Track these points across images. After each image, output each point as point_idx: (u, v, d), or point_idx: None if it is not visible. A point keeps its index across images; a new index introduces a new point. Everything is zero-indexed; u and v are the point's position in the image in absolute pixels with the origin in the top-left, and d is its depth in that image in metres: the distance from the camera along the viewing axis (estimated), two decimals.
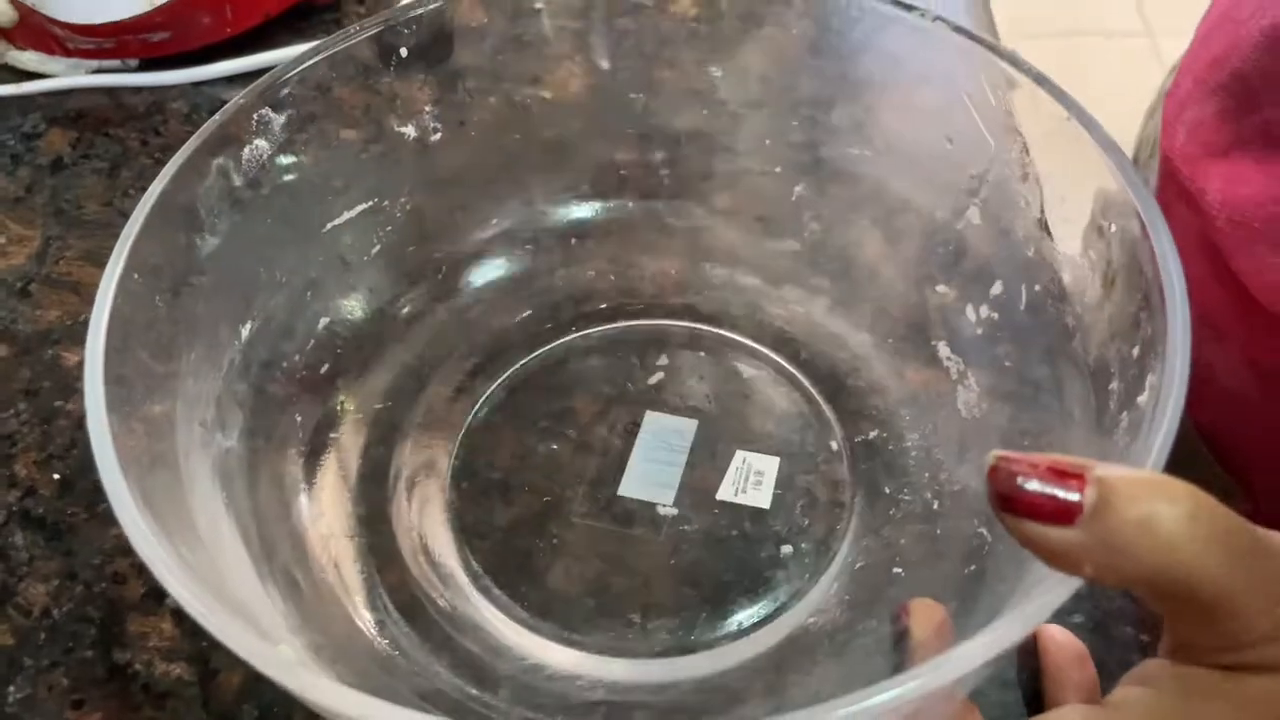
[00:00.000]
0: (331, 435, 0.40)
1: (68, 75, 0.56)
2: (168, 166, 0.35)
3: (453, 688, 0.34)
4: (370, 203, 0.41)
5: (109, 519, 0.40)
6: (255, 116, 0.37)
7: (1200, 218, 0.48)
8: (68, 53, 0.56)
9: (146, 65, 0.56)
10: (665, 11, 0.42)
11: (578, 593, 0.36)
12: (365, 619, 0.36)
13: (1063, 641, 0.33)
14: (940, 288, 0.40)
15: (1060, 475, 0.22)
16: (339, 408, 0.40)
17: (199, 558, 0.29)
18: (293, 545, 0.36)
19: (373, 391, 0.41)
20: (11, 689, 0.36)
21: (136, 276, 0.32)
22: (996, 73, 0.35)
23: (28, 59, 0.57)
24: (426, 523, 0.39)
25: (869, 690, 0.21)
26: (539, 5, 0.42)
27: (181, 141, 0.53)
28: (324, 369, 0.40)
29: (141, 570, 0.39)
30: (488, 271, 0.45)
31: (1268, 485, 0.54)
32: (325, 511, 0.38)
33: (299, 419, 0.39)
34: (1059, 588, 0.23)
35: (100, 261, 0.49)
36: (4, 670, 0.37)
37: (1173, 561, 0.21)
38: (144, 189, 0.52)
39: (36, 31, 0.56)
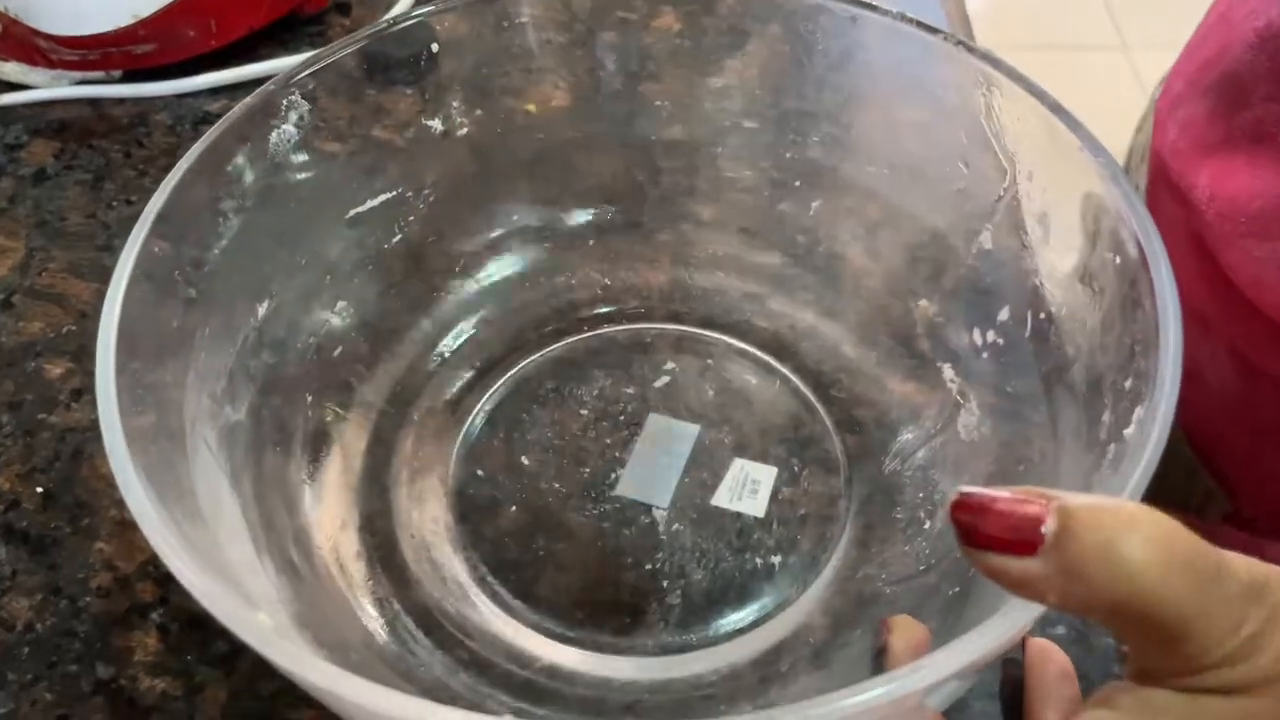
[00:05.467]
0: (337, 423, 0.40)
1: (51, 87, 0.56)
2: (199, 143, 0.35)
3: (444, 677, 0.35)
4: (394, 192, 0.42)
5: (93, 533, 0.40)
6: (284, 102, 0.37)
7: (1189, 213, 0.48)
8: (51, 64, 0.56)
9: (130, 77, 0.56)
10: (648, 27, 0.42)
11: (573, 592, 0.36)
12: (360, 603, 0.36)
13: (1050, 656, 0.33)
14: (947, 311, 0.41)
15: (1021, 508, 0.22)
16: (346, 395, 0.41)
17: (192, 522, 0.29)
18: (292, 524, 0.36)
19: (378, 386, 0.42)
20: None
21: (156, 249, 0.33)
22: (1015, 100, 0.35)
23: (11, 70, 0.57)
24: (426, 520, 0.39)
25: (831, 695, 0.21)
26: (523, 19, 0.42)
27: (165, 153, 0.53)
28: (336, 352, 0.41)
29: (126, 584, 0.39)
30: (493, 272, 0.46)
31: (1250, 485, 0.54)
32: (327, 493, 0.38)
33: (309, 398, 0.39)
34: (1029, 610, 0.23)
35: (84, 274, 0.49)
36: None
37: (1134, 588, 0.21)
38: (128, 200, 0.52)
39: (19, 43, 0.56)
